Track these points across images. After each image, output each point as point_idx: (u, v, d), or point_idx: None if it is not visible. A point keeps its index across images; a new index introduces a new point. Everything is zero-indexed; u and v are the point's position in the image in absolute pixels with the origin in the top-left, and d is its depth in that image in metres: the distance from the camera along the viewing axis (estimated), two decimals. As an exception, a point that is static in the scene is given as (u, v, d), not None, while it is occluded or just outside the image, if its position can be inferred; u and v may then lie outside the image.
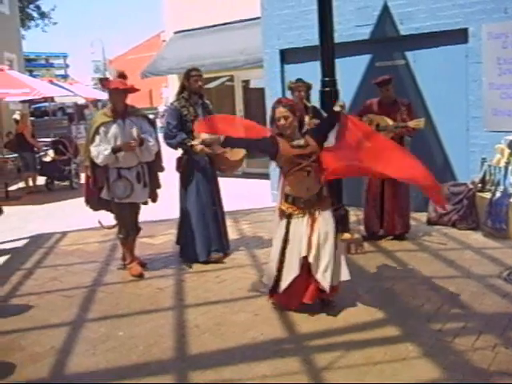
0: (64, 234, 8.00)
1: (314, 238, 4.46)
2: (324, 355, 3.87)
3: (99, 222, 6.02)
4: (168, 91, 24.26)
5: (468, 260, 5.79)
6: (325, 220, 4.51)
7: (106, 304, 5.16)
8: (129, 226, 5.81)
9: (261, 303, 4.92)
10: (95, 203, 5.85)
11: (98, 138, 5.47)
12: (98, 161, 5.46)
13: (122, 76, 5.56)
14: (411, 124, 6.31)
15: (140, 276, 5.79)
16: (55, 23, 32.78)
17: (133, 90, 5.60)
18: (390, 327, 4.28)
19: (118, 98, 5.55)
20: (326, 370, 3.67)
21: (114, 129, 5.51)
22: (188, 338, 4.32)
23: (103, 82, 5.75)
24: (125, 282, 5.73)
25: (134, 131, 5.53)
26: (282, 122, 4.46)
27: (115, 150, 5.44)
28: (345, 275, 4.63)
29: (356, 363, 3.75)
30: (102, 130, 5.49)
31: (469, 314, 4.44)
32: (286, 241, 4.54)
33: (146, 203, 5.97)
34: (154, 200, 5.98)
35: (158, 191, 5.98)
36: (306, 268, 4.51)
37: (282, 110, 4.47)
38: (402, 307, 4.70)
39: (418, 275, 5.42)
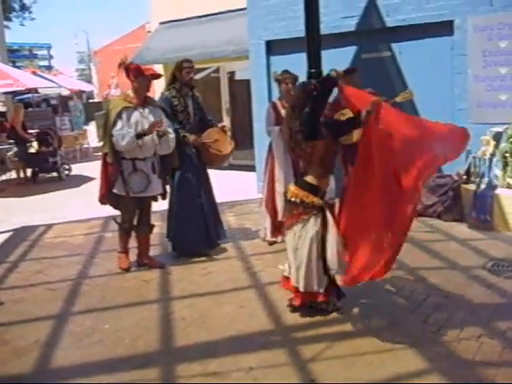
0: (49, 226, 7.93)
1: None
2: (310, 346, 3.88)
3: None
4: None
5: (453, 251, 5.83)
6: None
7: (91, 297, 5.13)
8: (132, 222, 5.76)
9: (246, 295, 4.92)
10: (106, 196, 5.63)
11: (120, 123, 5.33)
12: (123, 143, 5.29)
13: (124, 64, 5.47)
14: (399, 99, 6.26)
15: (127, 270, 5.76)
16: (33, 19, 32.28)
17: (154, 72, 5.72)
18: (376, 318, 4.30)
19: (146, 85, 5.48)
20: (313, 361, 3.68)
21: (135, 116, 5.41)
22: (174, 330, 4.30)
23: (133, 68, 5.44)
24: (110, 274, 5.70)
25: (164, 119, 5.50)
26: None
27: (139, 136, 5.33)
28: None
29: (342, 354, 3.76)
30: (124, 115, 5.37)
31: (454, 305, 4.47)
32: (323, 236, 4.23)
33: (156, 200, 5.85)
34: (164, 196, 5.88)
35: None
36: None
37: None
38: (387, 298, 4.72)
39: (403, 266, 5.44)
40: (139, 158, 5.47)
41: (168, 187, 6.00)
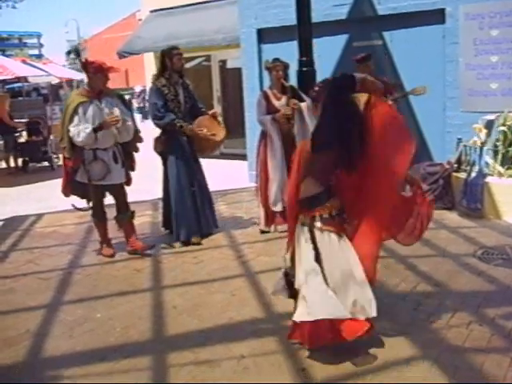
0: (39, 216, 7.90)
1: None
2: (301, 334, 3.88)
3: (73, 206, 5.95)
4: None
5: (443, 239, 5.85)
6: None
7: (82, 286, 5.12)
8: (102, 209, 5.78)
9: (238, 284, 4.93)
10: (69, 187, 5.69)
11: (76, 118, 5.36)
12: (79, 139, 5.31)
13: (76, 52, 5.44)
14: (411, 92, 6.22)
15: (111, 256, 5.79)
16: None
17: (114, 70, 5.54)
18: (367, 306, 4.30)
19: (103, 82, 5.46)
20: (303, 349, 3.68)
21: (91, 109, 5.41)
22: (165, 319, 4.31)
23: (94, 66, 5.43)
24: (102, 263, 5.69)
25: (116, 110, 5.43)
26: None
27: (96, 129, 5.33)
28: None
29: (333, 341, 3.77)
30: (80, 110, 5.38)
31: (444, 293, 4.50)
32: None
33: (128, 184, 5.85)
34: (128, 183, 5.86)
35: (135, 173, 5.90)
36: None
37: None
38: (378, 286, 4.68)
39: (394, 254, 5.46)
40: (100, 148, 5.48)
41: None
